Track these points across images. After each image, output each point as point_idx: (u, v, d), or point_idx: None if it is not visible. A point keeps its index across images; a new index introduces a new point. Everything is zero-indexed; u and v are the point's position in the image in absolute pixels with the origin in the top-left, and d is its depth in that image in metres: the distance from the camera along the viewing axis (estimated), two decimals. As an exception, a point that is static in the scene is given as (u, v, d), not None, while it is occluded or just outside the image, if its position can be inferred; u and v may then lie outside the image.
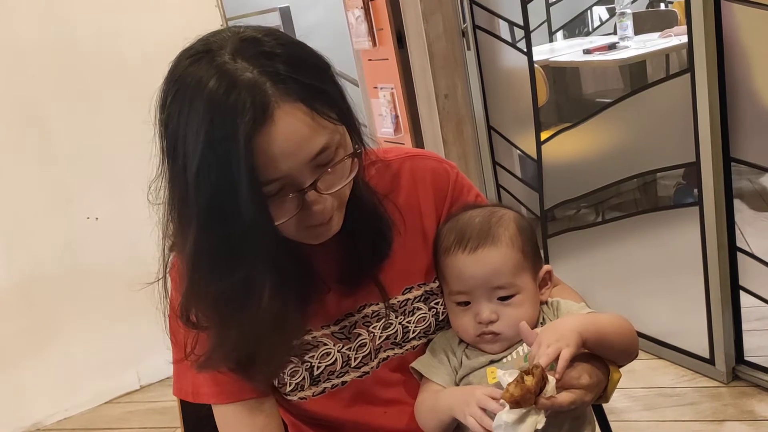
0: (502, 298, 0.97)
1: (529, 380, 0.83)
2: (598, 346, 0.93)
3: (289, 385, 0.99)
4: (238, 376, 0.95)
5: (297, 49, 0.83)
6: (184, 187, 0.79)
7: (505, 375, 0.87)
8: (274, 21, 4.31)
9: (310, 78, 0.80)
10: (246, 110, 0.76)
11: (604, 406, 1.14)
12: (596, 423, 1.12)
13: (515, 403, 0.83)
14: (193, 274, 0.84)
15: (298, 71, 0.80)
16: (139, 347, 2.81)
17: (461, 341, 1.01)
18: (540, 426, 0.85)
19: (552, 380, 0.85)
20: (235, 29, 0.83)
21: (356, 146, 0.87)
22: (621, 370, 0.99)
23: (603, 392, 0.95)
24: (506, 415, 0.84)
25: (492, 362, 0.97)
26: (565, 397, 0.87)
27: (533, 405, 0.84)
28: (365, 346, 1.01)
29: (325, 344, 0.99)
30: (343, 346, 1.00)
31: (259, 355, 0.92)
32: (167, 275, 0.92)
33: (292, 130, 0.78)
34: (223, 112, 0.76)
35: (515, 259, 0.97)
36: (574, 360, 0.89)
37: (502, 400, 0.85)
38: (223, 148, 0.76)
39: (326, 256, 0.95)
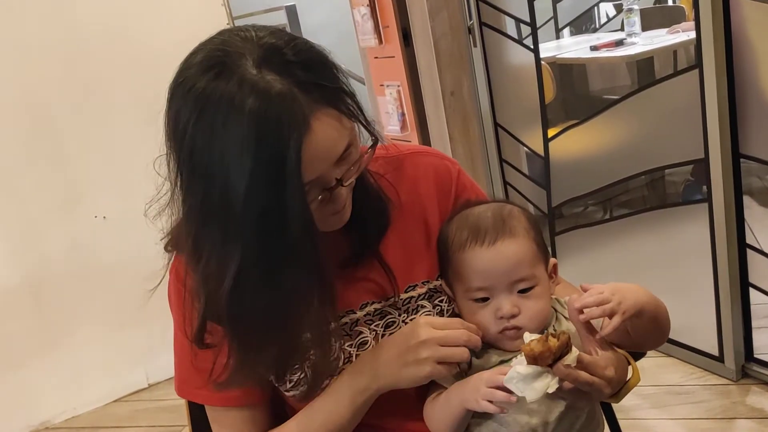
0: (522, 291, 0.96)
1: (553, 341, 0.84)
2: (646, 324, 0.94)
3: (289, 382, 0.99)
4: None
5: (306, 49, 0.82)
6: (225, 207, 0.78)
7: (532, 335, 0.88)
8: (280, 19, 4.31)
9: (328, 80, 0.81)
10: (290, 125, 0.76)
11: (613, 404, 1.14)
12: (605, 422, 1.11)
13: (532, 359, 0.84)
14: (236, 293, 0.82)
15: (317, 75, 0.80)
16: (148, 346, 2.82)
17: None
18: (550, 390, 0.85)
19: (575, 351, 0.86)
20: (243, 34, 0.81)
21: (372, 138, 0.88)
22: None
23: (616, 392, 0.95)
24: (521, 368, 0.85)
25: (502, 362, 0.96)
26: (583, 375, 0.87)
27: (549, 368, 0.84)
28: (367, 343, 1.01)
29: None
30: (344, 343, 0.99)
31: (299, 354, 0.92)
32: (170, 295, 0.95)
33: (326, 136, 0.79)
34: (268, 129, 0.76)
35: (532, 251, 0.98)
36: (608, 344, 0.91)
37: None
38: (274, 165, 0.76)
39: (327, 242, 0.94)
